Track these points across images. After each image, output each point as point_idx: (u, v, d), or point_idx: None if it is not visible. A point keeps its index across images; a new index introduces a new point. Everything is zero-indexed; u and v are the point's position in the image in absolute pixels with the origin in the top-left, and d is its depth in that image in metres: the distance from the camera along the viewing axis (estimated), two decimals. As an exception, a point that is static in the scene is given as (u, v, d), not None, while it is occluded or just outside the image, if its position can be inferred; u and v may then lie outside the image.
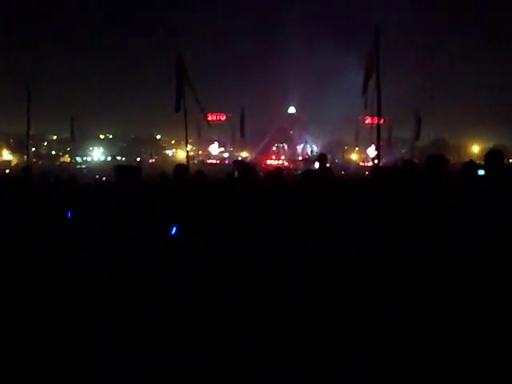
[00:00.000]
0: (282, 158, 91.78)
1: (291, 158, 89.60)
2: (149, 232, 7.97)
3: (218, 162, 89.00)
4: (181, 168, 10.50)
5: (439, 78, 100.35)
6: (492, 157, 7.08)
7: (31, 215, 9.77)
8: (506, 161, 8.68)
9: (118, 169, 10.84)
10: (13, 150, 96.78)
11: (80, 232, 9.04)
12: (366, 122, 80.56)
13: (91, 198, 10.30)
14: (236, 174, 9.76)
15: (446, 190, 7.01)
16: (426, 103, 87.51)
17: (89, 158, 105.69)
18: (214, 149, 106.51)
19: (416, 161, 8.50)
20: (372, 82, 15.88)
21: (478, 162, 8.86)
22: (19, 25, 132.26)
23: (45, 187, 12.27)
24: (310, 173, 9.23)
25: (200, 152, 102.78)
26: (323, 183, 8.46)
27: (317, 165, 14.31)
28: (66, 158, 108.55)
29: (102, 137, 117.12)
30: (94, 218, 8.85)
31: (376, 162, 17.07)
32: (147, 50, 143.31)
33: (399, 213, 6.84)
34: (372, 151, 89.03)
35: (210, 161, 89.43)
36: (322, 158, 12.17)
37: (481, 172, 7.85)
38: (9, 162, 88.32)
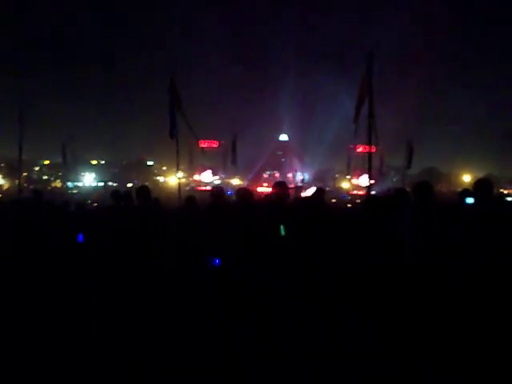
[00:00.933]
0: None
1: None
2: (188, 263, 8.18)
3: (209, 188, 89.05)
4: (191, 199, 10.56)
5: (431, 107, 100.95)
6: (482, 186, 7.10)
7: (40, 240, 9.76)
8: (495, 190, 8.71)
9: (114, 195, 10.88)
10: (4, 175, 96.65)
11: (98, 260, 8.99)
12: (358, 150, 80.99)
13: (105, 222, 10.20)
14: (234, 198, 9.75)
15: (434, 218, 7.04)
16: (418, 132, 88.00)
17: (80, 184, 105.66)
18: (208, 176, 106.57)
19: (407, 189, 8.49)
20: (364, 110, 15.92)
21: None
22: (13, 50, 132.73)
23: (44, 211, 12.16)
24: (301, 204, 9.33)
25: (191, 179, 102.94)
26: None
27: (309, 192, 14.29)
28: (58, 183, 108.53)
29: (93, 162, 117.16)
30: (112, 244, 8.77)
31: (366, 191, 17.05)
32: (140, 77, 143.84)
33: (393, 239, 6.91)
34: (365, 180, 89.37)
35: (201, 187, 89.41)
36: (319, 193, 11.70)
37: (469, 200, 7.88)
38: (0, 186, 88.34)
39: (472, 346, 6.03)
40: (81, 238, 10.47)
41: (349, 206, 25.68)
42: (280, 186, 8.59)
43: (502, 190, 69.21)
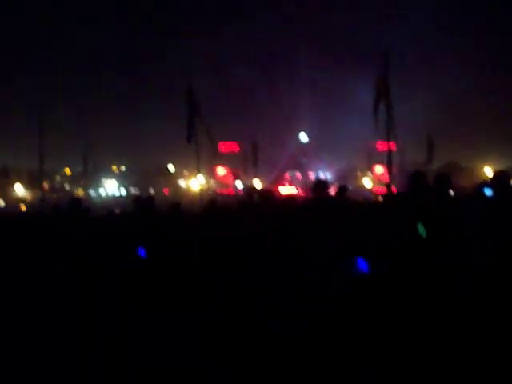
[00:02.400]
0: (295, 185, 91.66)
1: (305, 185, 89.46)
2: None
3: (231, 191, 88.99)
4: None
5: (452, 100, 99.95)
6: (499, 177, 7.16)
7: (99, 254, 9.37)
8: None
9: (136, 201, 10.95)
10: (26, 186, 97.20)
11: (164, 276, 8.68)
12: (379, 147, 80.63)
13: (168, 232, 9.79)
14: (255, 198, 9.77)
15: (454, 206, 7.07)
16: (439, 126, 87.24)
17: (102, 192, 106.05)
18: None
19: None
20: (383, 107, 15.89)
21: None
22: (32, 60, 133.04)
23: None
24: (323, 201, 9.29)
25: (213, 182, 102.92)
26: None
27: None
28: (80, 192, 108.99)
29: (114, 169, 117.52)
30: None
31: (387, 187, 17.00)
32: (159, 82, 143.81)
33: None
34: (379, 170, 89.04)
35: (223, 190, 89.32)
36: (342, 190, 11.79)
37: (488, 191, 7.89)
38: (23, 199, 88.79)
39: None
40: (142, 252, 9.73)
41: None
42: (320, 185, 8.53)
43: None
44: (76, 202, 11.56)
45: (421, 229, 6.61)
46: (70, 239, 9.51)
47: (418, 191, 7.26)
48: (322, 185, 9.02)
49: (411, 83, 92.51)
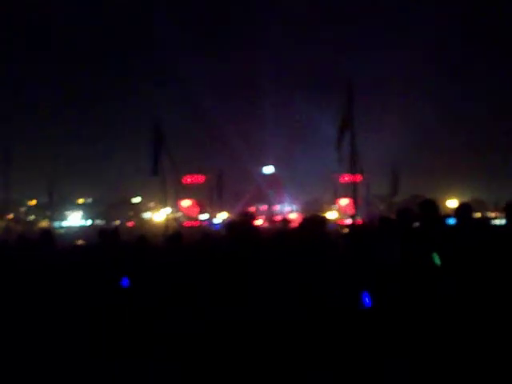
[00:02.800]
0: (261, 217, 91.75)
1: (270, 217, 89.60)
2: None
3: (196, 223, 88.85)
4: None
5: (416, 133, 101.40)
6: (462, 210, 7.34)
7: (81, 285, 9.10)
8: (483, 214, 8.95)
9: (101, 233, 10.89)
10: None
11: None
12: (344, 179, 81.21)
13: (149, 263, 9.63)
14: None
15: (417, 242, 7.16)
16: (404, 159, 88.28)
17: (67, 223, 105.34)
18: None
19: (393, 217, 8.60)
20: (347, 139, 16.02)
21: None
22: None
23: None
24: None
25: (178, 214, 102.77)
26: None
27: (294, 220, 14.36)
28: (45, 223, 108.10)
29: (80, 201, 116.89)
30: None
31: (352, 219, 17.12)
32: (124, 115, 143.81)
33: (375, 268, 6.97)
34: (344, 202, 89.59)
35: (187, 222, 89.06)
36: (308, 221, 11.87)
37: (451, 221, 8.08)
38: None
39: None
40: (126, 281, 9.55)
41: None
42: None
43: (488, 214, 69.28)
44: (47, 234, 11.39)
45: (436, 259, 6.63)
46: (40, 271, 9.42)
47: (405, 225, 7.38)
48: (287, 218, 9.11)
49: (376, 116, 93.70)
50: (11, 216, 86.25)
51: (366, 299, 7.13)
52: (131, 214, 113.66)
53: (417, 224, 8.04)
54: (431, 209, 7.52)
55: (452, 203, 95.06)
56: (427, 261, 6.85)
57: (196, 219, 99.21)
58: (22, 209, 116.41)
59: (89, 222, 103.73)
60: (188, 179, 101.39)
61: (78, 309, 8.62)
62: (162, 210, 25.37)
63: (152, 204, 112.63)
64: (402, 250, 7.01)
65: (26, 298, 8.59)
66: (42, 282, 8.86)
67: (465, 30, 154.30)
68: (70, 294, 8.80)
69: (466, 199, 72.04)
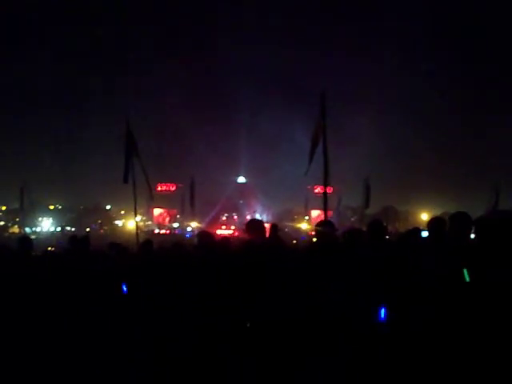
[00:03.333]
0: (232, 227, 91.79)
1: (241, 227, 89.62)
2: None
3: (167, 232, 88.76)
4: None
5: (389, 146, 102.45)
6: (435, 224, 7.34)
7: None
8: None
9: (72, 240, 10.77)
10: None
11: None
12: (316, 191, 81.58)
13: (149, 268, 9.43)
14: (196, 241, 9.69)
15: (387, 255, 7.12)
16: (376, 171, 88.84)
17: (38, 229, 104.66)
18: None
19: (364, 229, 8.55)
20: (320, 150, 16.04)
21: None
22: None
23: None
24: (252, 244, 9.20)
25: (149, 222, 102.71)
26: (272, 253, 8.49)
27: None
28: (15, 229, 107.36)
29: (51, 207, 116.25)
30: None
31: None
32: (96, 121, 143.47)
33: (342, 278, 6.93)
34: (316, 213, 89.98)
35: (158, 231, 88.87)
36: (272, 228, 12.05)
37: (424, 234, 8.10)
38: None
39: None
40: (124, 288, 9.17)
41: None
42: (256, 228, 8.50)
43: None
44: (26, 241, 11.18)
45: (466, 275, 6.36)
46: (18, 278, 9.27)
47: (376, 238, 7.34)
48: (256, 225, 9.05)
49: (349, 126, 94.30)
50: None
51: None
52: (102, 221, 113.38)
53: (387, 237, 8.06)
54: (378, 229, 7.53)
55: (424, 216, 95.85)
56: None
57: (167, 227, 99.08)
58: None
59: (59, 229, 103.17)
60: (160, 187, 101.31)
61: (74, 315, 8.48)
62: (133, 218, 25.19)
63: (123, 212, 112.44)
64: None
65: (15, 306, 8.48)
66: (30, 290, 8.72)
67: (438, 34, 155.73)
68: (66, 302, 8.67)
69: (437, 212, 72.65)
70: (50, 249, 21.37)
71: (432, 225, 7.52)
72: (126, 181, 16.36)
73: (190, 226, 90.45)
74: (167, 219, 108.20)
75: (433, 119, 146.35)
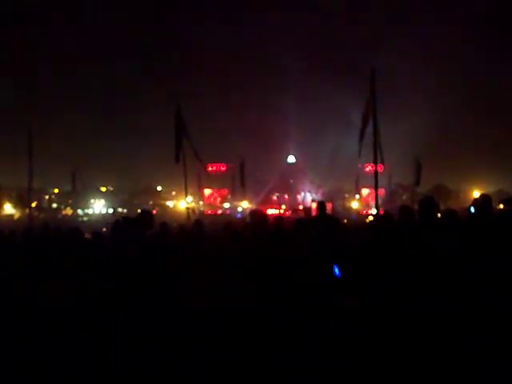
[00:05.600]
0: (283, 207, 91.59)
1: (292, 207, 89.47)
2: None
3: (218, 212, 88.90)
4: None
5: (440, 122, 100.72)
6: (480, 201, 7.34)
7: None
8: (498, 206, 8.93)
9: (125, 221, 10.89)
10: (14, 204, 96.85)
11: None
12: (367, 169, 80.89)
13: None
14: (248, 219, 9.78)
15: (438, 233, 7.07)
16: (428, 149, 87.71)
17: (90, 211, 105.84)
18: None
19: (416, 207, 8.49)
20: (369, 128, 15.91)
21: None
22: (20, 76, 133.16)
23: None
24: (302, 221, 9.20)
25: (200, 203, 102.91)
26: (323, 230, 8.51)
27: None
28: (68, 211, 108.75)
29: (103, 189, 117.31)
30: None
31: (373, 210, 17.02)
32: (147, 103, 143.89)
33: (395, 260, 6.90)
34: (366, 192, 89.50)
35: (209, 211, 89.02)
36: (320, 206, 12.05)
37: (472, 210, 8.10)
38: (11, 215, 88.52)
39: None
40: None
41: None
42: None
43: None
44: (76, 233, 11.34)
45: None
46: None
47: (427, 216, 7.29)
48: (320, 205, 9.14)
49: (400, 104, 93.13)
50: (34, 204, 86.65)
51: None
52: (153, 202, 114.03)
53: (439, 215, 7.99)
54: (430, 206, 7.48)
55: (476, 194, 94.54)
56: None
57: (218, 208, 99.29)
58: (46, 197, 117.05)
59: (111, 210, 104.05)
60: (210, 168, 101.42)
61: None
62: (184, 198, 25.30)
63: (174, 193, 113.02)
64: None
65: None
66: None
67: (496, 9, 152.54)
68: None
69: (491, 190, 71.62)
70: (104, 230, 21.68)
71: (477, 202, 7.56)
72: (177, 160, 16.48)
73: (240, 206, 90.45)
74: (218, 199, 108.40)
75: (485, 95, 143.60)
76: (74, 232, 11.71)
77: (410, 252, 6.92)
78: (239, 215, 69.79)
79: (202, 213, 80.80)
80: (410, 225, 7.63)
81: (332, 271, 7.36)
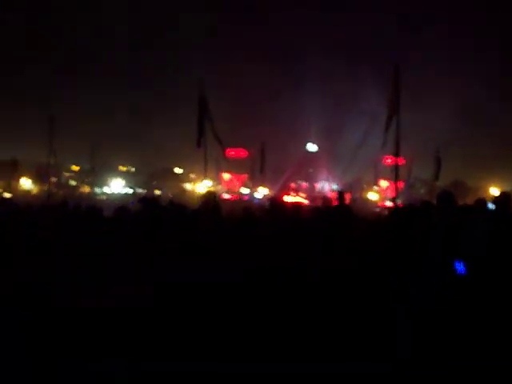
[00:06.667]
0: (301, 195, 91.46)
1: (310, 195, 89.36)
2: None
3: (236, 197, 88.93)
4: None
5: (462, 119, 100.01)
6: (501, 198, 7.41)
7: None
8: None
9: (143, 201, 10.99)
10: (33, 179, 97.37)
11: None
12: (387, 161, 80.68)
13: None
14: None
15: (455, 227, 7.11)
16: (448, 143, 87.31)
17: (108, 190, 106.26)
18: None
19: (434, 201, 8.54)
20: (393, 122, 15.91)
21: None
22: (43, 52, 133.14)
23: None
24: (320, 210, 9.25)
25: (219, 187, 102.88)
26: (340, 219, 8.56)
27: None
28: (86, 189, 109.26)
29: (123, 169, 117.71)
30: None
31: (390, 203, 17.07)
32: (170, 85, 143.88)
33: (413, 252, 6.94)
34: (385, 184, 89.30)
35: (227, 196, 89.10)
36: (340, 195, 12.14)
37: (491, 206, 8.16)
38: (29, 191, 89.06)
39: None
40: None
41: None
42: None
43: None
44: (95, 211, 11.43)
45: None
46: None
47: (445, 210, 7.33)
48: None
49: (424, 98, 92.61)
50: (54, 180, 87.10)
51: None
52: (173, 184, 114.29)
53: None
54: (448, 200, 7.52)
55: (495, 191, 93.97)
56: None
57: (237, 193, 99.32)
58: (65, 174, 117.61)
59: (130, 191, 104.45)
60: (231, 152, 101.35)
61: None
62: (203, 182, 25.42)
63: (193, 175, 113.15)
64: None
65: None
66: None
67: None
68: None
69: (509, 188, 71.22)
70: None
71: (497, 199, 7.63)
72: (199, 145, 16.55)
73: (258, 191, 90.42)
74: (237, 184, 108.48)
75: (504, 94, 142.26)
76: (94, 210, 11.82)
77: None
78: (257, 201, 69.82)
79: (220, 197, 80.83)
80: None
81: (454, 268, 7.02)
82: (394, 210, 13.79)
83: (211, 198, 10.83)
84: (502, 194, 7.75)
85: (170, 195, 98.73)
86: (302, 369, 6.57)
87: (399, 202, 25.19)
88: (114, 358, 7.21)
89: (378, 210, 51.94)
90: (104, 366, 7.12)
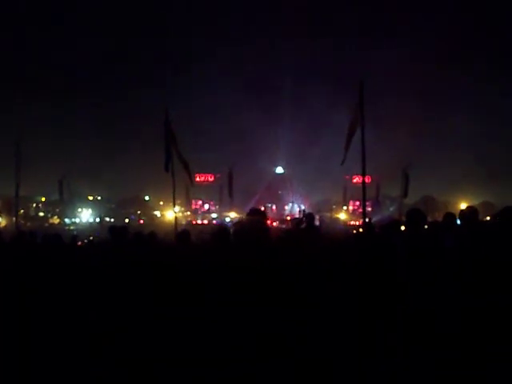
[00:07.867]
0: (271, 217, 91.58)
1: (279, 217, 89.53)
2: None
3: (206, 222, 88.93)
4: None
5: (427, 134, 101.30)
6: (466, 213, 7.48)
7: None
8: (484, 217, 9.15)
9: (111, 230, 10.88)
10: (1, 212, 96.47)
11: None
12: (354, 180, 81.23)
13: None
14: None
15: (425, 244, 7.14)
16: (415, 160, 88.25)
17: (77, 220, 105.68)
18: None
19: (403, 218, 8.60)
20: (357, 139, 15.98)
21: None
22: (7, 87, 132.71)
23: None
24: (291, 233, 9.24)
25: (188, 213, 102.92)
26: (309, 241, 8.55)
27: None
28: (55, 220, 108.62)
29: (90, 198, 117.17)
30: None
31: (362, 220, 17.10)
32: (135, 113, 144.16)
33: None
34: (354, 203, 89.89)
35: (196, 221, 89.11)
36: (308, 217, 12.16)
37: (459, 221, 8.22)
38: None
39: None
40: None
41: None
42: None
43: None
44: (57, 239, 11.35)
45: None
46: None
47: (415, 227, 7.35)
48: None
49: (388, 116, 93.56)
50: (21, 212, 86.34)
51: None
52: (141, 211, 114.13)
53: (426, 226, 8.06)
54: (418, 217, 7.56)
55: (463, 206, 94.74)
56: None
57: (206, 218, 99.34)
58: (33, 206, 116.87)
59: (98, 220, 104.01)
60: (198, 178, 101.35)
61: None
62: (172, 208, 25.39)
63: (162, 202, 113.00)
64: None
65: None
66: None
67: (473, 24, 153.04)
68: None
69: (476, 202, 71.96)
70: (91, 238, 21.64)
71: (463, 213, 7.69)
72: (167, 169, 16.53)
73: (228, 216, 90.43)
74: (206, 205, 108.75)
75: (472, 108, 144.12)
76: (56, 238, 11.69)
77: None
78: (229, 225, 69.60)
79: (189, 223, 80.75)
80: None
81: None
82: (366, 227, 13.78)
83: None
84: (468, 208, 7.79)
85: (141, 222, 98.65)
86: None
87: (372, 220, 25.28)
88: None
89: (346, 228, 52.14)
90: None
